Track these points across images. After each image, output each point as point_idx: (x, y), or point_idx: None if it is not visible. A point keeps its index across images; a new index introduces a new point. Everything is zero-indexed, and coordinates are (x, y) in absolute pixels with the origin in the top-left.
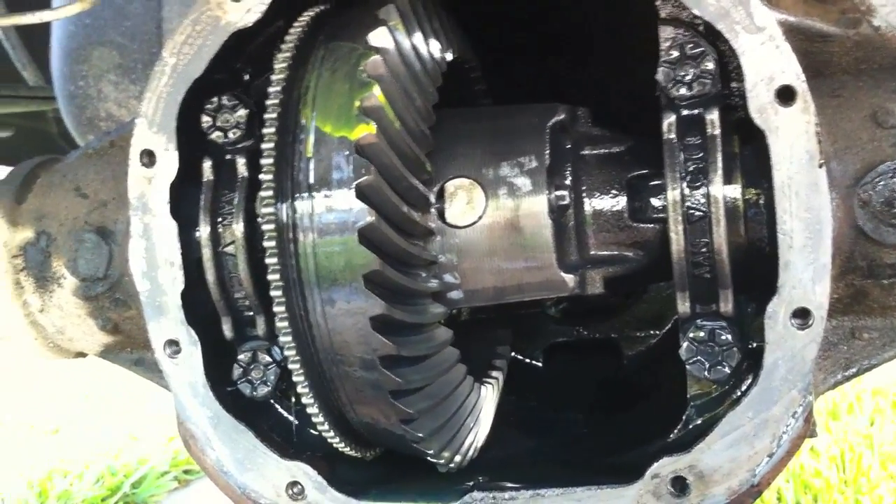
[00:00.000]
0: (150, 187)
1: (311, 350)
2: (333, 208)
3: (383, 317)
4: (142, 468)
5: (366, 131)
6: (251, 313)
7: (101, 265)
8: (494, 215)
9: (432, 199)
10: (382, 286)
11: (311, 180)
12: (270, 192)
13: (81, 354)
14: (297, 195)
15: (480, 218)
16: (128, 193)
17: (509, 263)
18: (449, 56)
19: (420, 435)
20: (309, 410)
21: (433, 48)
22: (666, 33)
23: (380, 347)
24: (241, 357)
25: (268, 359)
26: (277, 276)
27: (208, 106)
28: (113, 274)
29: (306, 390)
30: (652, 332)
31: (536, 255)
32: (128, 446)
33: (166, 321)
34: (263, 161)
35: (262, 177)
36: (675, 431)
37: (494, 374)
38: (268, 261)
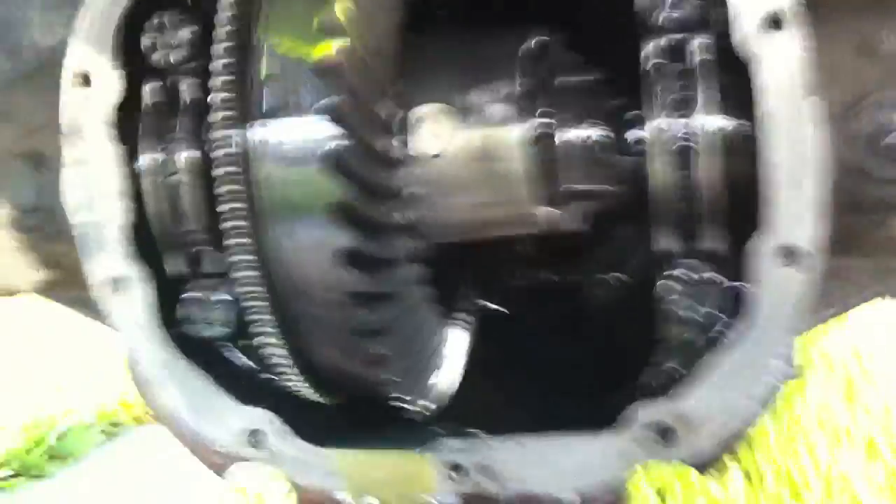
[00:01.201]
0: (85, 110)
1: (270, 287)
2: (293, 133)
3: (349, 250)
4: (67, 420)
5: (328, 50)
6: (202, 247)
7: (32, 195)
8: (464, 145)
9: (399, 126)
10: (347, 218)
11: (268, 103)
12: (222, 116)
13: (15, 292)
14: (253, 119)
15: (449, 147)
16: (59, 117)
17: (480, 196)
18: None
19: (388, 377)
20: (268, 352)
21: None
22: None
23: (345, 283)
24: (192, 295)
25: (222, 297)
26: (230, 207)
27: (149, 23)
28: (46, 205)
29: (265, 330)
30: (622, 274)
31: (509, 189)
32: (52, 397)
33: (108, 257)
34: (214, 82)
35: (212, 99)
36: (655, 377)
37: (465, 317)
38: (219, 190)
